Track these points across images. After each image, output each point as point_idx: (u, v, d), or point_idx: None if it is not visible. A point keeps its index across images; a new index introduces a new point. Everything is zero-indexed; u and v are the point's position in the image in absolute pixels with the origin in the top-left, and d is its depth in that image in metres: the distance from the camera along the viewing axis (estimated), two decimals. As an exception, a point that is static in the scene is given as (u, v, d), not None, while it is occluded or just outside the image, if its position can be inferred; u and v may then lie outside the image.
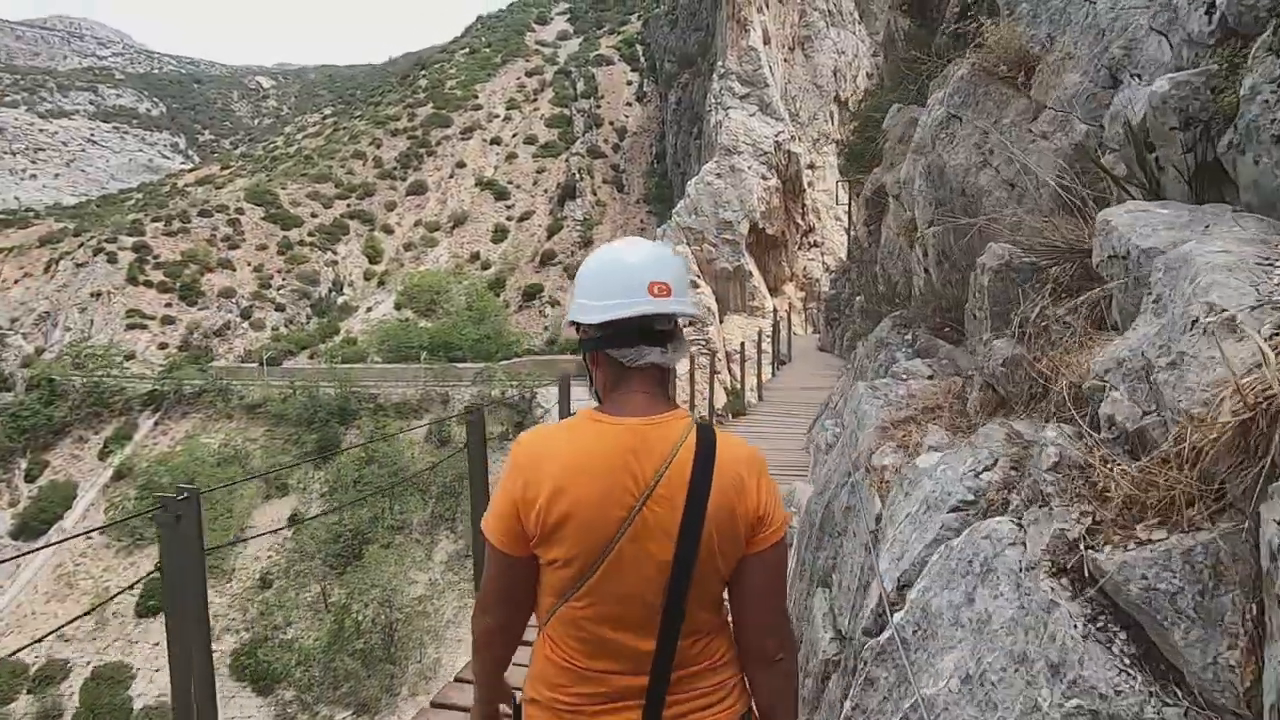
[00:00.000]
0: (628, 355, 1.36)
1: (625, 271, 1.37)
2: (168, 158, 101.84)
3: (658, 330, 1.37)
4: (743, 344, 15.93)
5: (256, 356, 42.47)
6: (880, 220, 6.32)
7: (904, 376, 2.93)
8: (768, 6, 39.43)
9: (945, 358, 3.11)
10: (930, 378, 2.89)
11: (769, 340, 17.66)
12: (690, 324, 1.65)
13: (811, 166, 39.26)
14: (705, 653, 1.39)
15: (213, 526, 29.74)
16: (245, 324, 46.76)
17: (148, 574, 3.15)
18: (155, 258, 47.73)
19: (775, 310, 27.63)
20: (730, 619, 1.45)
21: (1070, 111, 2.38)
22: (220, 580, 28.05)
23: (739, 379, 16.71)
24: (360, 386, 35.89)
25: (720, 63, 37.91)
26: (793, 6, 42.45)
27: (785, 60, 41.63)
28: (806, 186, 37.62)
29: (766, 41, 38.45)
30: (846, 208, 30.50)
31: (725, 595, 1.43)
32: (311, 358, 43.39)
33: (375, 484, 30.10)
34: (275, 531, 27.46)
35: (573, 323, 1.42)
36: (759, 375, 14.27)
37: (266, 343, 44.85)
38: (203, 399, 37.40)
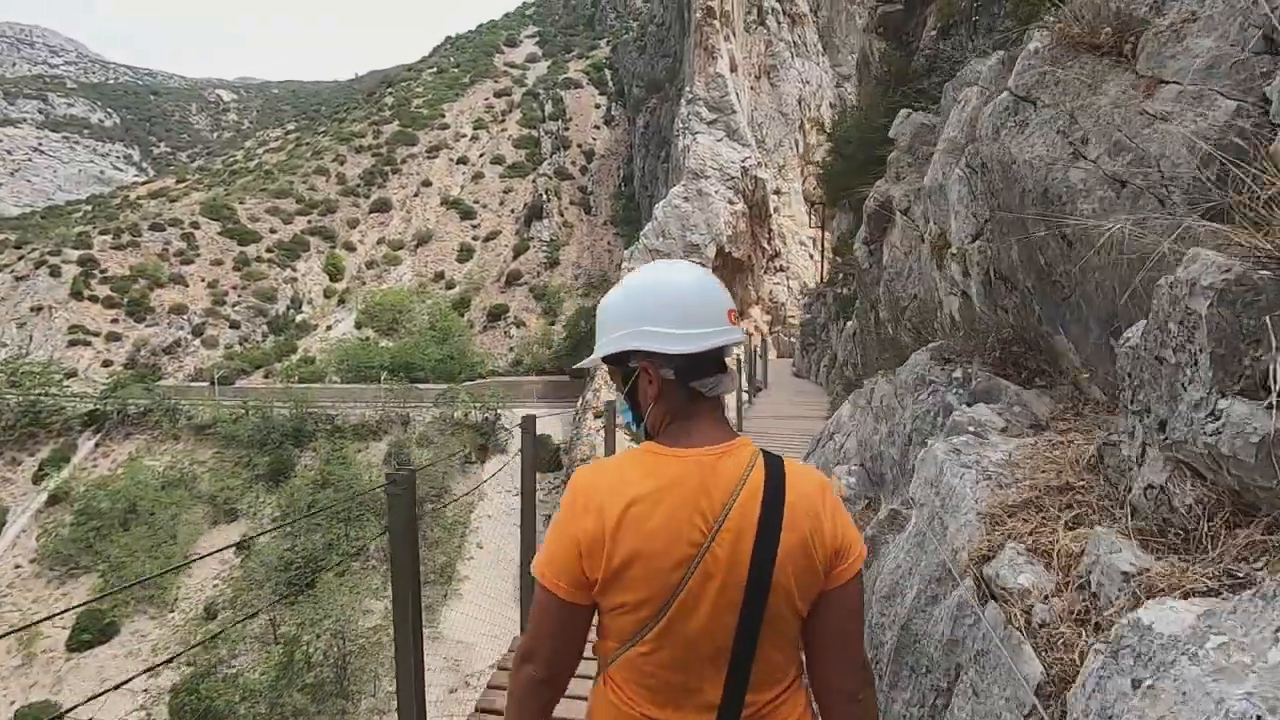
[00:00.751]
0: (707, 384, 1.29)
1: (709, 299, 1.31)
2: (120, 170, 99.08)
3: (725, 358, 1.34)
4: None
5: (208, 375, 40.93)
6: (883, 238, 5.79)
7: (974, 430, 2.33)
8: (735, 35, 39.77)
9: (1016, 403, 2.53)
10: (1004, 430, 2.33)
11: (745, 365, 17.13)
12: None
13: (778, 192, 39.50)
14: (778, 713, 1.26)
15: (154, 554, 28.22)
16: (197, 341, 45.08)
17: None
18: (102, 272, 45.96)
19: (749, 335, 27.32)
20: (804, 657, 1.33)
21: (1205, 85, 1.87)
22: (161, 610, 26.57)
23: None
24: (317, 407, 34.70)
25: (688, 88, 38.03)
26: (759, 36, 43.04)
27: (752, 88, 42.02)
28: (773, 211, 37.77)
29: (733, 69, 38.70)
30: (819, 232, 30.49)
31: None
32: (267, 377, 42.05)
33: (330, 508, 28.91)
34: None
35: (612, 355, 1.32)
36: (738, 402, 13.68)
37: (219, 361, 43.30)
38: (148, 419, 35.81)
